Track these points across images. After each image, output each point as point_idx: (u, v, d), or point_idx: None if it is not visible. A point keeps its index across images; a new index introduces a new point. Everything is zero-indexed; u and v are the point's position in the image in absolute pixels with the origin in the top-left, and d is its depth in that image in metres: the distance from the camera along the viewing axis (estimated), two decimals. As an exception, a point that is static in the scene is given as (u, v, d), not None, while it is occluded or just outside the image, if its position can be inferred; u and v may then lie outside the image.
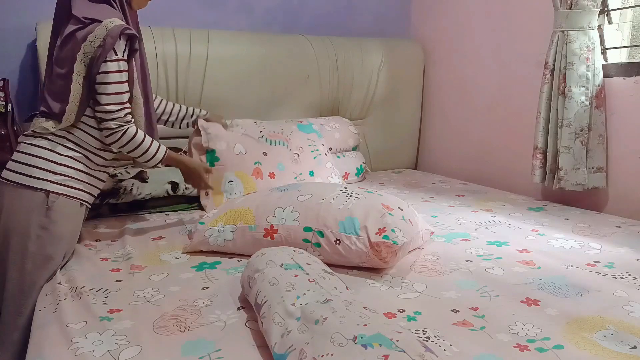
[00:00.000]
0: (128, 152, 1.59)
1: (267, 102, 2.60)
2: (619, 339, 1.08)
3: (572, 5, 2.05)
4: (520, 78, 2.47)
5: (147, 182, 2.04)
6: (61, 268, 1.50)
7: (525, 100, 2.41)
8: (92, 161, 1.58)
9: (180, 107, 2.04)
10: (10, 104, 2.02)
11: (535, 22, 2.35)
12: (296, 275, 1.14)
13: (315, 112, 2.76)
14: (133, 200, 2.01)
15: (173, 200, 2.11)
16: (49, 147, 1.51)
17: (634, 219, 1.95)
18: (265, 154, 2.16)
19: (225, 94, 2.48)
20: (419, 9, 3.12)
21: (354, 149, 2.73)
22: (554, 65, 2.13)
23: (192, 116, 2.07)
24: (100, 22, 1.48)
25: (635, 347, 1.05)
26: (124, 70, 1.52)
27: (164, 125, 2.03)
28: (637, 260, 1.53)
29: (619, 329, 1.12)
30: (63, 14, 1.56)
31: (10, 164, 1.53)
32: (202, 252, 1.60)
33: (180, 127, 2.07)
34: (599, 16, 2.08)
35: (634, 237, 1.73)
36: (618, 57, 2.19)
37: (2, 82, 2.03)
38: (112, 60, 1.48)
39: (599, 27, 2.11)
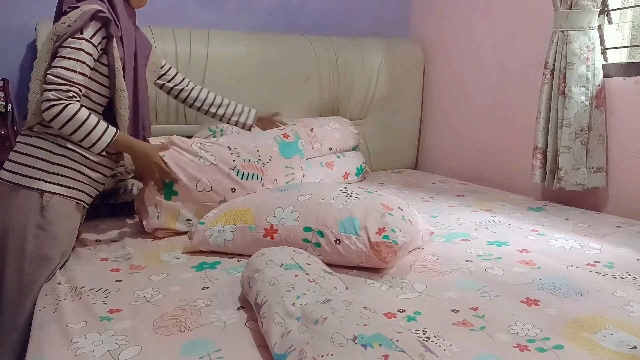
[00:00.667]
0: (69, 134, 1.47)
1: (267, 102, 2.60)
2: (619, 339, 1.08)
3: (572, 5, 2.05)
4: (520, 78, 2.47)
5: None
6: (60, 268, 1.51)
7: (525, 100, 2.41)
8: (88, 159, 1.56)
9: (228, 102, 2.01)
10: (10, 104, 2.02)
11: (535, 22, 2.36)
12: (296, 275, 1.14)
13: (315, 112, 2.76)
14: (133, 200, 2.00)
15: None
16: (44, 147, 1.51)
17: (634, 219, 1.95)
18: (233, 190, 1.80)
19: (225, 94, 2.46)
20: (419, 9, 3.12)
21: (354, 149, 2.73)
22: (554, 65, 2.13)
23: (240, 114, 2.01)
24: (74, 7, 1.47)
25: (635, 347, 1.05)
26: (84, 51, 1.46)
27: (212, 117, 2.02)
28: (637, 260, 1.52)
29: (619, 329, 1.12)
30: (59, 15, 1.56)
31: (7, 164, 1.53)
32: (202, 252, 1.60)
33: (230, 123, 2.03)
34: (599, 16, 2.08)
35: (634, 237, 1.73)
36: (618, 57, 2.19)
37: (2, 82, 2.03)
38: (74, 37, 1.45)
39: (599, 27, 2.11)
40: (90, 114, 1.48)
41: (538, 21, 2.32)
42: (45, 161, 1.50)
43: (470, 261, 1.52)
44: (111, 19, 1.51)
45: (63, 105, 1.43)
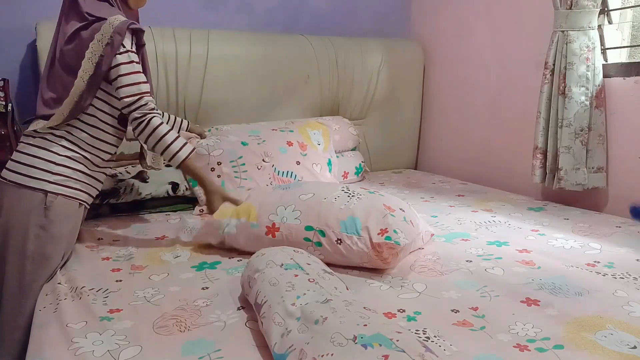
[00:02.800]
0: (152, 147, 1.55)
1: (267, 102, 2.60)
2: (619, 339, 1.08)
3: (572, 5, 2.05)
4: (520, 78, 2.47)
5: (147, 182, 2.05)
6: (61, 268, 1.51)
7: (525, 100, 2.41)
8: (90, 161, 1.57)
9: (169, 115, 2.01)
10: (10, 104, 2.02)
11: (535, 22, 2.36)
12: (296, 275, 1.14)
13: (315, 112, 2.76)
14: (133, 200, 2.01)
15: (173, 201, 2.11)
16: (48, 147, 1.51)
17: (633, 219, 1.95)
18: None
19: (225, 94, 2.48)
20: (419, 9, 3.12)
21: (353, 149, 2.74)
22: (554, 65, 2.13)
23: (179, 129, 2.02)
24: (105, 19, 1.48)
25: (635, 347, 1.05)
26: (134, 61, 1.51)
27: None
28: (637, 260, 1.52)
29: (619, 329, 1.12)
30: (63, 14, 1.56)
31: (9, 164, 1.53)
32: (202, 252, 1.60)
33: None
34: (599, 16, 2.08)
35: (634, 237, 1.73)
36: (618, 57, 2.19)
37: (2, 82, 2.03)
38: (121, 53, 1.49)
39: (599, 27, 2.11)
40: (170, 130, 1.53)
41: (538, 21, 2.32)
42: (49, 162, 1.51)
43: (470, 261, 1.52)
44: (142, 29, 1.55)
45: (147, 120, 1.50)
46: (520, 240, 1.70)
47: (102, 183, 1.67)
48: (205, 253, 1.59)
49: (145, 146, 1.66)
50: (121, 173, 2.03)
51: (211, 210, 1.63)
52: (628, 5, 2.18)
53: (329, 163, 2.38)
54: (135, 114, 1.50)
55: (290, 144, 2.28)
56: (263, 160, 2.16)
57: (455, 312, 1.20)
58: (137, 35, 1.55)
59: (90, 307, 1.23)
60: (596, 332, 1.11)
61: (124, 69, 1.49)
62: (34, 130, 1.53)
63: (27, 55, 2.26)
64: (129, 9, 1.64)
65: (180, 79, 2.36)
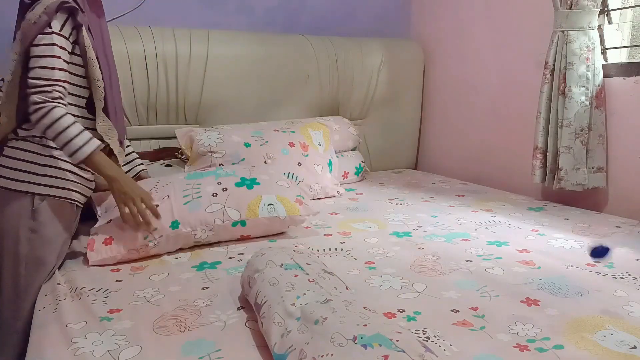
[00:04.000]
0: (52, 138, 1.41)
1: (267, 102, 2.60)
2: (619, 339, 1.08)
3: (572, 5, 2.05)
4: (520, 78, 2.47)
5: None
6: (59, 268, 1.50)
7: (525, 100, 2.41)
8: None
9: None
10: (10, 104, 2.02)
11: (535, 22, 2.35)
12: (296, 275, 1.14)
13: (315, 112, 2.76)
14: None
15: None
16: (31, 149, 1.49)
17: (634, 219, 1.95)
18: None
19: (225, 94, 2.48)
20: (419, 9, 3.12)
21: (353, 149, 2.74)
22: (554, 65, 2.13)
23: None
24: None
25: (635, 347, 1.05)
26: (57, 45, 1.41)
27: None
28: (637, 260, 1.52)
29: (619, 329, 1.12)
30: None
31: None
32: (203, 252, 1.60)
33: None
34: (599, 16, 2.08)
35: (634, 237, 1.73)
36: (618, 57, 2.19)
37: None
38: (44, 33, 1.39)
39: (599, 27, 2.11)
40: (74, 123, 1.41)
41: (538, 21, 2.32)
42: (33, 164, 1.48)
43: (470, 261, 1.52)
44: (77, 7, 1.46)
45: (47, 108, 1.38)
46: (520, 240, 1.70)
47: (93, 181, 1.61)
48: (206, 252, 1.59)
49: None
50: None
51: (122, 213, 1.50)
52: (628, 5, 2.18)
53: (330, 163, 2.38)
54: (36, 98, 1.37)
55: (292, 144, 2.29)
56: (265, 162, 2.16)
57: (455, 312, 1.20)
58: (73, 15, 1.44)
59: (90, 307, 1.23)
60: (596, 332, 1.11)
61: (42, 51, 1.38)
62: (13, 133, 1.49)
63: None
64: None
65: (180, 79, 2.36)
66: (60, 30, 1.43)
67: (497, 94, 2.63)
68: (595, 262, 1.18)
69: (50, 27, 1.41)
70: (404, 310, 1.20)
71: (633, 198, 2.06)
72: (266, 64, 2.56)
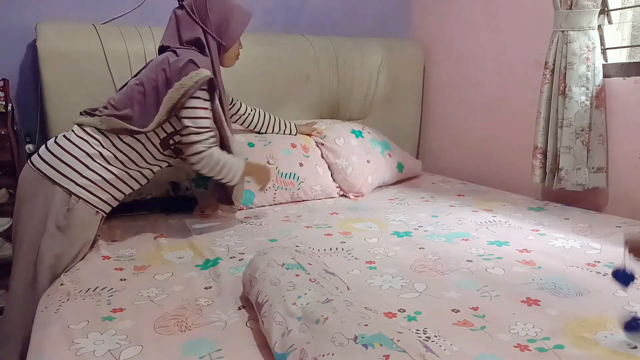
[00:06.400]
0: (216, 176, 1.70)
1: (267, 102, 2.60)
2: (620, 339, 1.08)
3: (572, 5, 2.05)
4: (520, 78, 2.47)
5: (147, 182, 2.04)
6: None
7: (525, 100, 2.41)
8: (126, 173, 1.60)
9: (274, 120, 2.30)
10: (10, 104, 2.02)
11: (535, 22, 2.36)
12: (297, 275, 1.14)
13: (315, 112, 2.76)
14: (133, 200, 2.01)
15: (174, 201, 2.11)
16: (87, 151, 1.52)
17: (634, 219, 1.95)
18: None
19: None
20: (419, 9, 3.12)
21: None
22: (554, 65, 2.13)
23: (285, 129, 2.33)
24: (191, 63, 1.57)
25: (635, 348, 1.05)
26: (202, 108, 1.62)
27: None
28: (637, 260, 1.52)
29: (620, 329, 1.12)
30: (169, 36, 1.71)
31: (42, 151, 1.52)
32: (204, 252, 1.60)
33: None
34: (599, 16, 2.08)
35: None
36: (618, 57, 2.19)
37: (2, 82, 2.03)
38: (193, 97, 1.58)
39: (599, 27, 2.11)
40: (227, 154, 1.70)
41: (538, 21, 2.32)
42: (82, 164, 1.50)
43: (471, 261, 1.52)
44: (216, 84, 1.66)
45: (209, 153, 1.63)
46: (520, 240, 1.70)
47: (124, 195, 1.66)
48: (207, 253, 1.59)
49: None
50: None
51: (263, 185, 1.96)
52: (628, 5, 2.18)
53: (330, 163, 2.39)
54: (201, 147, 1.62)
55: (294, 145, 2.29)
56: (267, 162, 2.17)
57: (456, 312, 1.20)
58: (212, 89, 1.64)
59: (93, 307, 1.23)
60: (597, 332, 1.11)
61: (191, 112, 1.60)
62: (77, 130, 1.55)
63: (27, 55, 2.25)
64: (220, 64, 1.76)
65: (181, 79, 2.35)
66: (205, 100, 1.66)
67: (497, 94, 2.63)
68: (619, 286, 1.16)
69: (196, 96, 1.62)
70: (404, 310, 1.21)
71: (633, 198, 2.06)
72: (266, 64, 2.56)
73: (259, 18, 2.74)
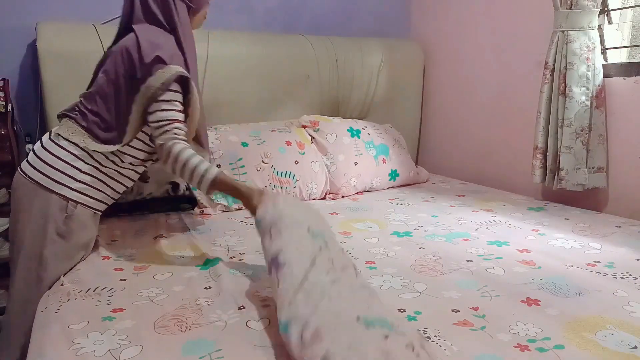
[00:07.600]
0: (178, 174, 1.49)
1: (267, 102, 2.60)
2: (619, 339, 1.08)
3: (572, 5, 2.05)
4: (521, 78, 2.47)
5: (147, 182, 2.04)
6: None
7: (526, 100, 2.41)
8: (119, 172, 1.57)
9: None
10: (10, 104, 2.02)
11: (535, 22, 2.36)
12: (320, 249, 1.19)
13: (316, 112, 2.76)
14: (133, 200, 2.01)
15: (173, 201, 2.11)
16: (76, 154, 1.48)
17: (634, 219, 1.95)
18: None
19: (225, 94, 2.48)
20: (419, 9, 3.12)
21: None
22: (554, 65, 2.13)
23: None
24: (159, 62, 1.45)
25: (635, 347, 1.05)
26: (176, 101, 1.49)
27: None
28: (637, 260, 1.53)
29: (620, 329, 1.12)
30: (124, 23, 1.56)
31: (31, 158, 1.49)
32: (205, 252, 1.60)
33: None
34: (599, 16, 2.08)
35: (634, 237, 1.73)
36: (618, 57, 2.19)
37: (2, 82, 2.03)
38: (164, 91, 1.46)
39: (599, 27, 2.11)
40: (194, 155, 1.44)
41: (538, 21, 2.32)
42: (74, 168, 1.48)
43: (471, 261, 1.52)
44: (188, 77, 1.50)
45: (171, 144, 1.43)
46: (520, 240, 1.70)
47: (119, 194, 1.63)
48: (208, 252, 1.59)
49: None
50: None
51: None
52: (628, 5, 2.18)
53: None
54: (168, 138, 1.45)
55: (288, 143, 2.29)
56: (262, 161, 2.17)
57: (456, 312, 1.20)
58: (185, 84, 1.51)
59: (93, 307, 1.23)
60: (597, 332, 1.11)
61: (162, 104, 1.46)
62: (63, 134, 1.49)
63: (27, 55, 2.25)
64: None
65: (181, 79, 2.36)
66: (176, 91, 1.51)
67: (497, 94, 2.63)
68: None
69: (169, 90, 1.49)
70: (404, 310, 1.21)
71: (633, 198, 2.06)
72: (266, 64, 2.56)
73: (259, 18, 2.74)
